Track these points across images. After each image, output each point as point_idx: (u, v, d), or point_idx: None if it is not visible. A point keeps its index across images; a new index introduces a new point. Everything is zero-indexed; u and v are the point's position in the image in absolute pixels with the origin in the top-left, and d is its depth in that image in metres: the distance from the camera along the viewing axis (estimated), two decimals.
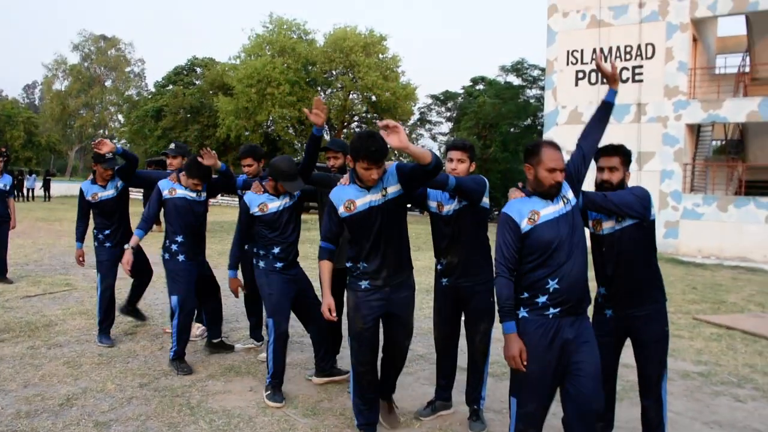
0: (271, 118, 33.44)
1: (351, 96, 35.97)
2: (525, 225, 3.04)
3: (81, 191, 5.81)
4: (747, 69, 22.06)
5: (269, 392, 4.39)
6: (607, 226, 3.45)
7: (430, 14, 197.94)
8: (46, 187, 30.98)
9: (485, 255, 4.06)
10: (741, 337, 7.05)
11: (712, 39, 22.89)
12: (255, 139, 33.50)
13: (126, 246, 5.11)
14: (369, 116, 36.87)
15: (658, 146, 18.84)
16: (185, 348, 5.12)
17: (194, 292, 5.24)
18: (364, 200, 3.62)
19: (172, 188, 5.15)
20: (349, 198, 3.63)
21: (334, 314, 3.65)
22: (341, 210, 3.64)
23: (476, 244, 4.00)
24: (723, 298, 9.92)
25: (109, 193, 5.78)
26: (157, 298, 7.70)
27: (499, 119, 36.32)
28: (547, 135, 21.48)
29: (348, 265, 3.75)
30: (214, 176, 5.27)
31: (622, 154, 3.50)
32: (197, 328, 5.95)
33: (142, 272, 5.86)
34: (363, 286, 3.70)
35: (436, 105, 45.45)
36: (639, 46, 19.74)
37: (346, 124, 37.92)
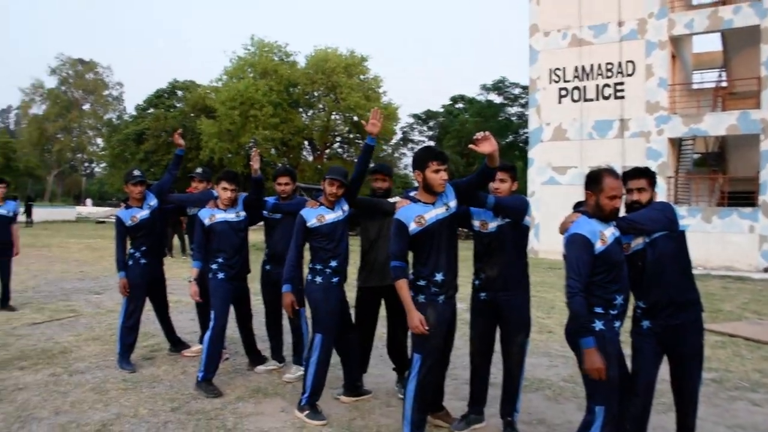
0: (253, 140, 33.44)
1: (333, 117, 36.15)
2: (599, 246, 3.29)
3: (119, 219, 5.88)
4: (724, 84, 22.63)
5: (309, 411, 4.44)
6: (637, 243, 3.64)
7: (411, 35, 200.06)
8: (29, 212, 30.62)
9: (523, 270, 4.24)
10: (744, 344, 7.27)
11: (688, 55, 23.49)
12: (238, 161, 33.41)
13: (189, 279, 5.41)
14: (351, 136, 37.08)
15: (642, 160, 19.18)
16: (215, 371, 5.16)
17: (227, 310, 5.39)
18: (431, 214, 3.80)
19: (212, 215, 5.34)
20: (419, 214, 3.79)
21: (426, 327, 3.68)
22: (412, 226, 3.76)
23: (516, 259, 4.18)
24: (719, 307, 10.16)
25: (146, 212, 5.92)
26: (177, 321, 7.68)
27: None
28: (532, 152, 21.84)
29: (421, 283, 3.82)
30: (243, 194, 5.55)
31: (648, 175, 3.76)
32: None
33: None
34: (440, 301, 3.83)
35: (418, 124, 45.94)
36: (620, 64, 20.22)
37: (328, 144, 38.07)
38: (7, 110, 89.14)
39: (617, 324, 3.39)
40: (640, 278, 3.63)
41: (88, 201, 54.87)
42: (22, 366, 5.70)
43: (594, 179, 3.43)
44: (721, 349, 6.98)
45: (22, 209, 30.72)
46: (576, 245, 3.30)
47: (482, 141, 3.64)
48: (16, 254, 8.93)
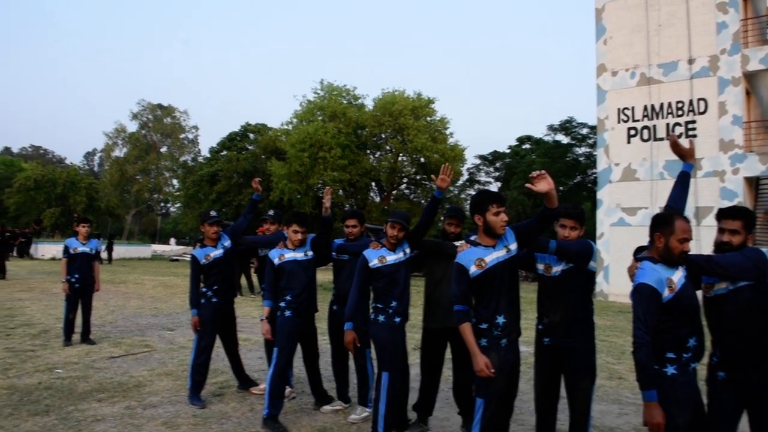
0: (322, 181, 34.08)
1: (400, 158, 36.44)
2: (666, 294, 3.20)
3: (194, 257, 6.14)
4: None
5: None
6: (720, 287, 3.49)
7: (478, 76, 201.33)
8: (109, 249, 32.08)
9: (588, 315, 4.16)
10: None
11: (765, 91, 22.73)
12: (307, 201, 34.06)
13: (261, 318, 5.61)
14: (418, 178, 37.26)
15: (716, 201, 18.57)
16: (280, 408, 5.26)
17: (294, 347, 5.52)
18: (492, 257, 3.81)
19: (281, 254, 5.53)
20: (479, 257, 3.79)
21: (492, 369, 3.65)
22: (473, 269, 3.76)
23: (579, 305, 4.11)
24: None
25: (219, 252, 6.17)
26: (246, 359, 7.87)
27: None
28: (601, 193, 21.44)
29: (483, 327, 3.79)
30: (312, 234, 5.72)
31: (745, 217, 3.57)
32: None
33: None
34: (503, 344, 3.80)
35: (485, 165, 45.86)
36: (691, 102, 19.79)
37: (395, 185, 38.37)
38: (92, 153, 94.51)
39: (693, 365, 3.28)
40: (718, 325, 3.50)
41: (172, 240, 57.16)
42: (100, 398, 5.96)
43: (664, 221, 3.33)
44: None
45: (103, 247, 32.35)
46: (642, 296, 3.19)
47: (538, 179, 3.64)
48: (97, 290, 9.38)
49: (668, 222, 3.31)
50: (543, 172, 3.66)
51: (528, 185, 3.69)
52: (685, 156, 3.92)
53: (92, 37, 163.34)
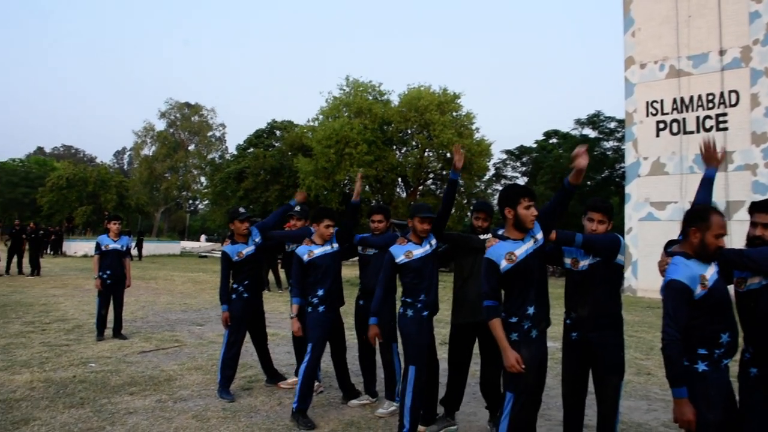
0: (348, 177, 34.17)
1: (426, 153, 36.39)
2: (699, 291, 3.17)
3: (225, 254, 6.21)
4: None
5: None
6: (753, 282, 3.44)
7: (504, 71, 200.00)
8: (139, 246, 32.57)
9: (616, 309, 4.12)
10: None
11: None
12: (333, 197, 34.19)
13: (291, 316, 5.66)
14: (444, 173, 37.13)
15: (748, 195, 18.22)
16: (309, 402, 5.31)
17: (326, 342, 5.56)
18: (521, 249, 3.79)
19: (310, 251, 5.54)
20: (509, 250, 3.77)
21: (522, 365, 3.64)
22: (504, 263, 3.74)
23: (607, 299, 4.08)
24: None
25: (251, 248, 6.25)
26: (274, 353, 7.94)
27: None
28: (629, 187, 21.19)
29: (513, 320, 3.77)
30: (336, 228, 5.73)
31: None
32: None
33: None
34: (533, 336, 3.78)
35: (511, 160, 45.65)
36: (722, 94, 19.44)
37: (421, 181, 38.33)
38: (122, 152, 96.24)
39: (725, 362, 3.23)
40: (751, 321, 3.45)
41: (203, 237, 57.93)
42: (132, 391, 6.08)
43: (700, 216, 3.29)
44: None
45: (133, 244, 32.88)
46: (674, 292, 3.16)
47: (582, 155, 3.73)
48: (128, 286, 9.55)
49: (704, 217, 3.27)
50: (586, 146, 3.74)
51: (573, 164, 3.76)
52: (712, 162, 3.95)
53: (118, 37, 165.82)
